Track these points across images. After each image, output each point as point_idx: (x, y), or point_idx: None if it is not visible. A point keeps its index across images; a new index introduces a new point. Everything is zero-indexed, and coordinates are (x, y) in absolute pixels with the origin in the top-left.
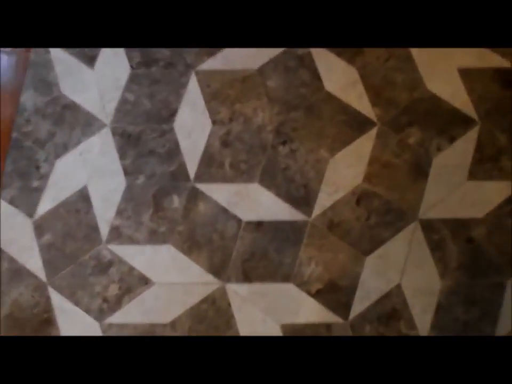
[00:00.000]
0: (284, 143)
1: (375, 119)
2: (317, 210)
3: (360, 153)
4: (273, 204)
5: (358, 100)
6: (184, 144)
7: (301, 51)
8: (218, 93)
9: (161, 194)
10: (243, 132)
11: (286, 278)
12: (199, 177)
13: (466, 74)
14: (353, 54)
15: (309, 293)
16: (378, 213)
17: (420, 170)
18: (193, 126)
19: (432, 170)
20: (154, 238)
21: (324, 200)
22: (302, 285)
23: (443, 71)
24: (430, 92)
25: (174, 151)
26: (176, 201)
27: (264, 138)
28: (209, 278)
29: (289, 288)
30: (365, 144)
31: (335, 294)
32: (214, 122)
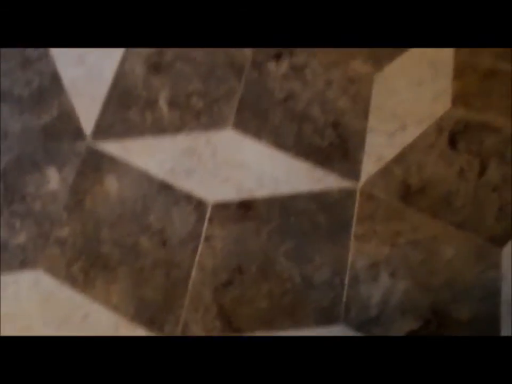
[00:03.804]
0: (278, 56)
1: None
2: (370, 167)
3: (433, 59)
4: (274, 164)
5: None
6: (70, 74)
7: None
8: None
9: (21, 170)
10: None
11: (326, 317)
12: (105, 130)
13: None
14: None
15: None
16: (500, 158)
17: None
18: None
19: None
20: (5, 260)
21: (380, 147)
22: (369, 325)
23: None
24: None
25: (49, 90)
26: (54, 180)
27: (236, 53)
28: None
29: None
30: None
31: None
32: None
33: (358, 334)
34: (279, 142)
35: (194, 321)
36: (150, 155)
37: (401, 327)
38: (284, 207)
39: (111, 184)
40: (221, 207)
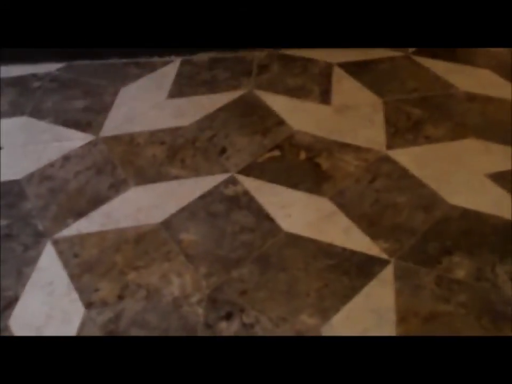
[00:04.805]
0: (229, 316)
1: (383, 254)
2: None
3: (375, 308)
4: None
5: (345, 235)
6: None
7: (231, 190)
8: (95, 263)
9: None
10: (146, 311)
11: None
12: None
13: (499, 178)
14: (317, 182)
15: None
16: None
17: (496, 315)
18: (46, 318)
19: None
20: None
21: None
22: None
23: (465, 179)
24: (457, 207)
25: None
26: None
27: (188, 314)
28: None
29: None
30: (378, 293)
31: None
32: (88, 305)
33: None
34: None
35: None
36: None
37: None
38: None
39: None
40: None
